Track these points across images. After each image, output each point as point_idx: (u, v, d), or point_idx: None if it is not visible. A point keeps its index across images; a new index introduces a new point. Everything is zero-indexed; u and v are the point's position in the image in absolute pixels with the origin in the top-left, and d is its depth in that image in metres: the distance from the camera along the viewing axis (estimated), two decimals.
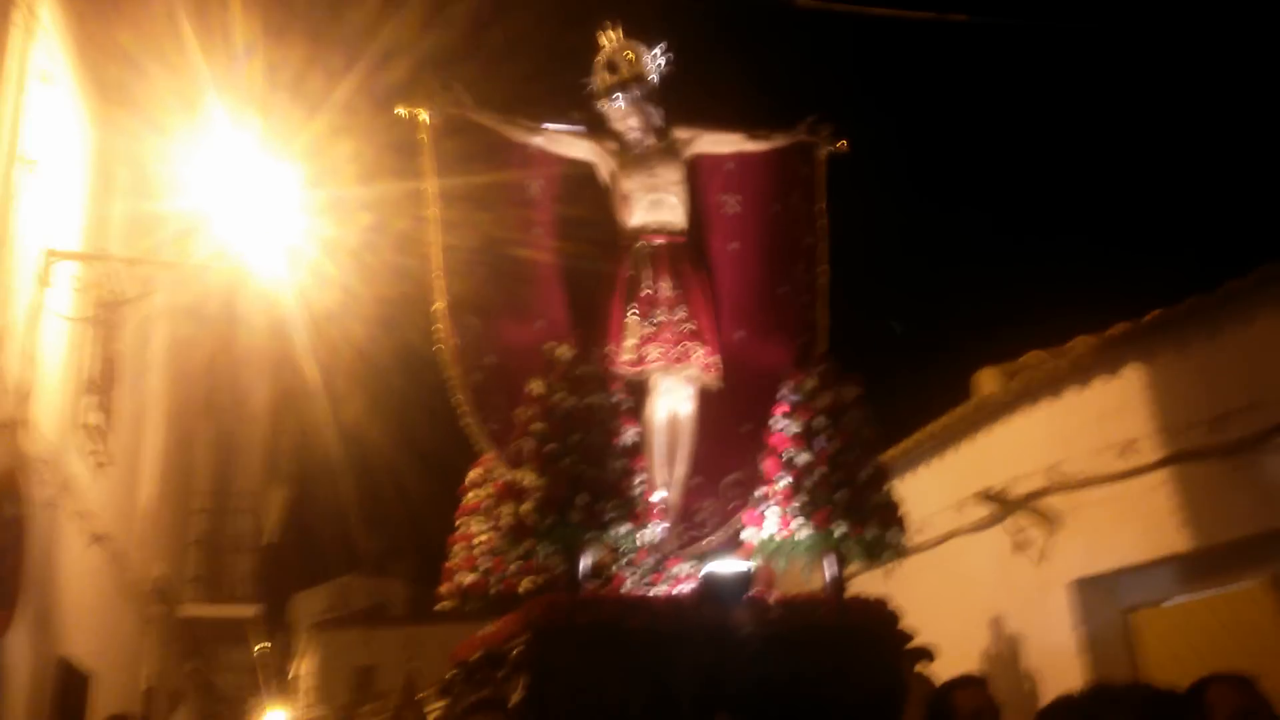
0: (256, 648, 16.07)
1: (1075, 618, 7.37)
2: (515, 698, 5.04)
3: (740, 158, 7.04)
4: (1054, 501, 7.51)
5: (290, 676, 31.13)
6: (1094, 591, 7.44)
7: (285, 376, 11.56)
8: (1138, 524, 7.02)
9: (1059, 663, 7.35)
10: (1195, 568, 6.98)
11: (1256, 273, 6.44)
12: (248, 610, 14.46)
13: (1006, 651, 8.19)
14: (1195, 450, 6.60)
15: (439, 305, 6.07)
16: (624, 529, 5.43)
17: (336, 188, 7.82)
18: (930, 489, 8.24)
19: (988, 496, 7.78)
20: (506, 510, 5.56)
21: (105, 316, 7.53)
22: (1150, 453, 6.87)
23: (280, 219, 7.34)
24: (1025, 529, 7.67)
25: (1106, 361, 7.30)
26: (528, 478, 5.45)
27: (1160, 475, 6.82)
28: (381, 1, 8.59)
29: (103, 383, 8.13)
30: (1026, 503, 7.59)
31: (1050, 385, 7.57)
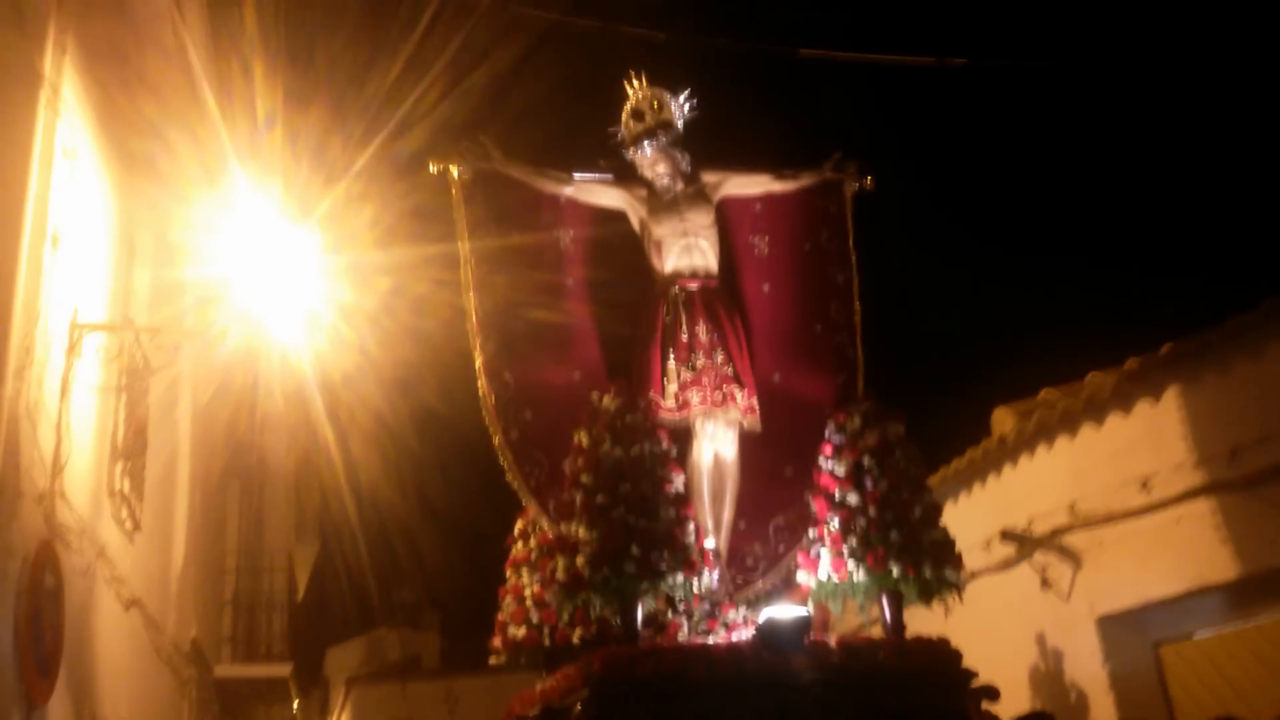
0: (294, 706, 16.16)
1: (1104, 653, 7.31)
2: None
3: (768, 199, 6.98)
4: (1076, 538, 7.46)
5: None
6: (1121, 626, 7.37)
7: (306, 437, 11.84)
8: (1161, 558, 7.00)
9: (1091, 698, 7.30)
10: (1224, 600, 6.90)
11: (1264, 305, 6.40)
12: (282, 669, 14.57)
13: (1038, 688, 8.17)
14: (1213, 484, 6.61)
15: (478, 363, 6.01)
16: (678, 578, 5.34)
17: (356, 253, 7.97)
18: (955, 527, 8.44)
19: (1009, 535, 7.74)
20: (559, 564, 5.47)
21: (131, 384, 7.46)
22: (1168, 487, 6.85)
23: (300, 285, 7.40)
24: (1050, 566, 7.59)
25: (1120, 398, 7.27)
26: (579, 531, 5.39)
27: (1180, 510, 6.82)
28: (401, 71, 8.74)
29: (131, 449, 8.14)
30: (1049, 540, 7.55)
31: (1066, 423, 7.55)
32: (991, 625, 7.71)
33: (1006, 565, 7.93)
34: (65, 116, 6.93)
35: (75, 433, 6.86)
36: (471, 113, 6.74)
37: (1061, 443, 7.66)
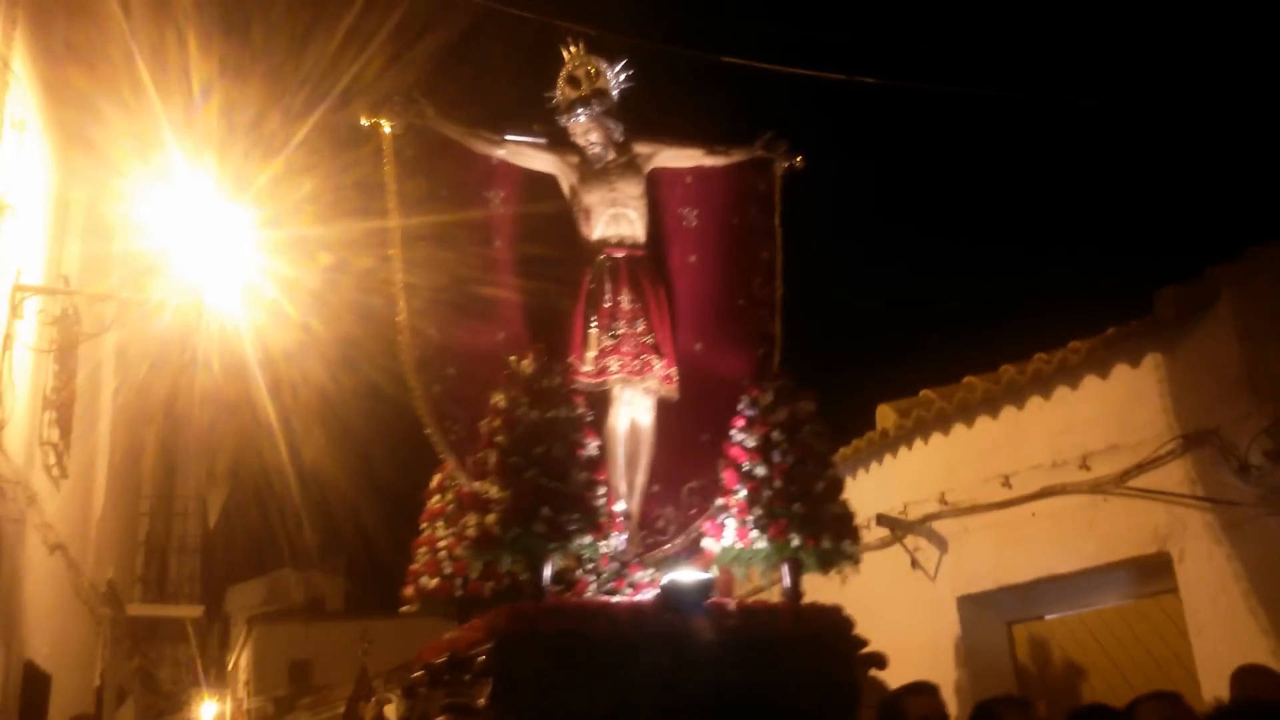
0: (192, 646, 16.52)
1: (962, 629, 7.79)
2: (481, 702, 5.10)
3: (699, 172, 6.88)
4: (944, 525, 7.93)
5: (228, 668, 31.35)
6: (978, 606, 7.79)
7: (227, 393, 11.89)
8: (1017, 548, 7.43)
9: (950, 670, 7.63)
10: (1068, 588, 7.27)
11: (1110, 333, 6.89)
12: (190, 610, 14.92)
13: (906, 658, 8.87)
14: (1064, 485, 7.05)
15: (400, 317, 5.91)
16: (586, 540, 5.32)
17: (296, 228, 7.99)
18: None
19: (884, 519, 8.08)
20: (471, 521, 5.40)
21: (64, 345, 7.69)
22: (1025, 485, 7.30)
23: (238, 259, 7.55)
24: (920, 549, 8.06)
25: (988, 403, 7.68)
26: (492, 490, 5.30)
27: (1035, 506, 7.25)
28: (341, 41, 8.56)
29: (61, 402, 7.98)
30: (920, 525, 8.02)
31: (941, 422, 7.98)
32: (867, 599, 8.17)
33: (883, 545, 8.19)
34: (14, 89, 7.18)
35: (13, 388, 7.20)
36: (413, 85, 6.87)
37: (936, 439, 8.09)
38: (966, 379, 8.03)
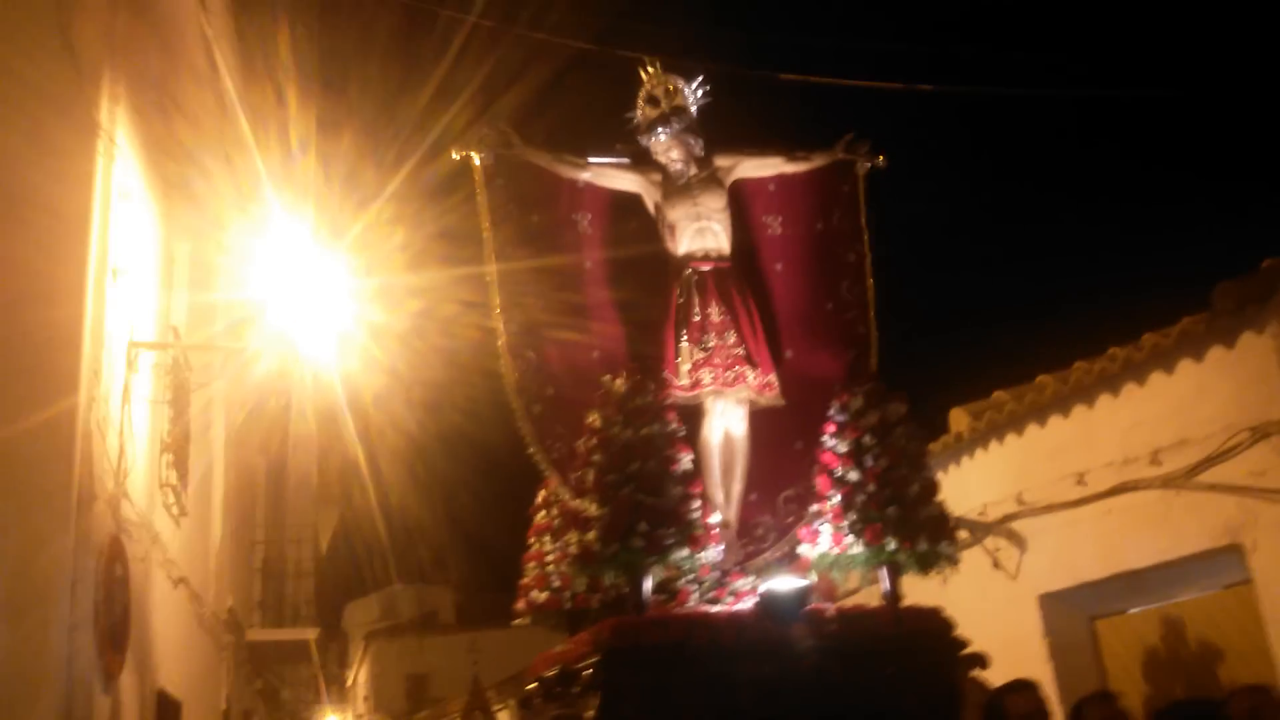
0: (315, 664, 17.18)
1: (1045, 627, 7.88)
2: (589, 715, 5.17)
3: (781, 179, 6.88)
4: (1022, 525, 7.99)
5: (347, 685, 32.24)
6: (1060, 603, 7.85)
7: (334, 445, 12.44)
8: (1093, 544, 7.45)
9: (1034, 667, 7.34)
10: (1146, 582, 7.32)
11: (1177, 328, 6.89)
12: (308, 632, 15.55)
13: (989, 658, 9.07)
14: (1136, 481, 7.08)
15: (500, 341, 6.04)
16: (684, 553, 5.35)
17: (387, 275, 8.27)
18: None
19: (962, 522, 7.92)
20: (573, 538, 5.54)
21: (177, 392, 8.07)
22: (1099, 483, 7.31)
23: (332, 307, 7.78)
24: (1000, 549, 8.15)
25: (1059, 403, 7.71)
26: (590, 507, 5.39)
27: (1109, 503, 7.27)
28: (432, 96, 8.79)
29: (177, 444, 8.16)
30: (999, 526, 8.10)
31: (1013, 423, 8.04)
32: (951, 601, 8.43)
33: (964, 547, 8.21)
34: (119, 160, 7.69)
35: (134, 438, 7.70)
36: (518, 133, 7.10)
37: (1010, 440, 8.13)
38: (1039, 378, 7.96)
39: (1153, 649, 7.64)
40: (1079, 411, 7.72)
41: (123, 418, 6.85)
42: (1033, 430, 8.02)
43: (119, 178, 7.01)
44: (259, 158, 8.41)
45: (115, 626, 6.43)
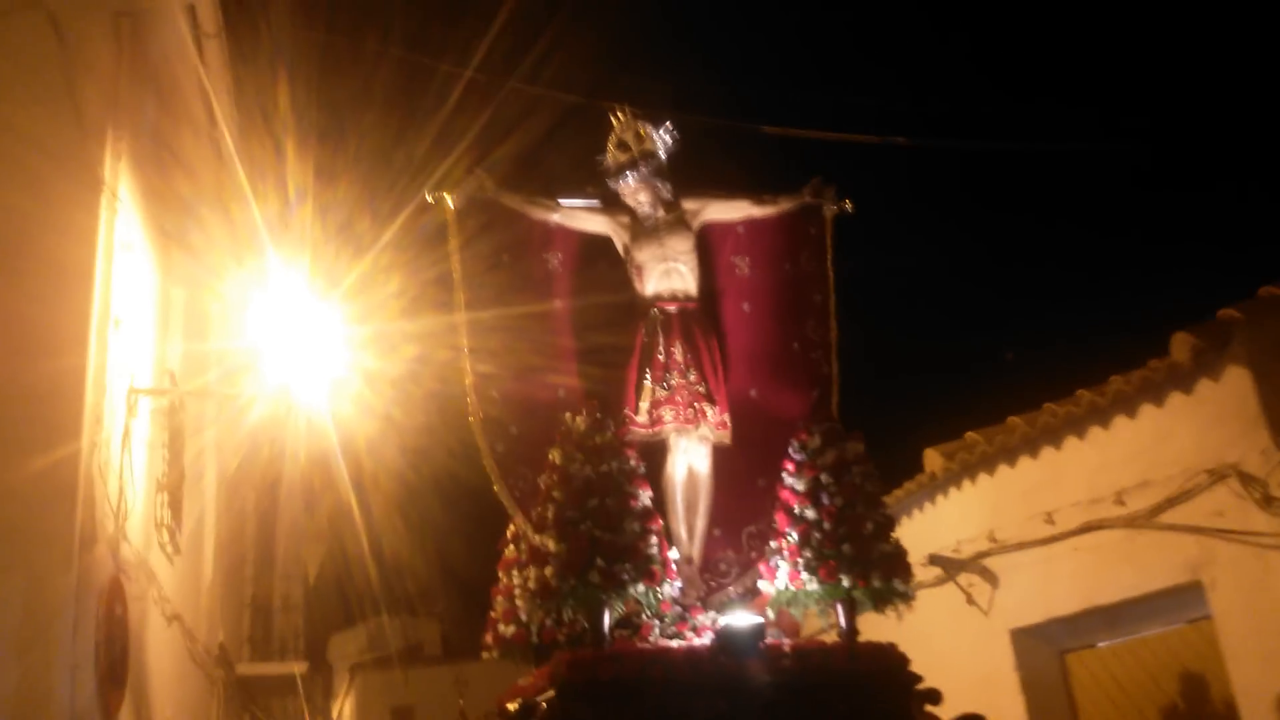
0: (301, 700, 17.26)
1: (1016, 661, 8.10)
2: None
3: (749, 222, 6.93)
4: (994, 562, 8.19)
5: (333, 717, 32.10)
6: (1031, 638, 8.07)
7: (322, 468, 12.49)
8: (1062, 581, 7.70)
9: (1006, 700, 7.91)
10: (1114, 617, 7.60)
11: (1139, 373, 7.23)
12: (295, 666, 15.63)
13: (962, 693, 9.23)
14: (1102, 520, 7.41)
15: (467, 380, 6.10)
16: (640, 588, 5.38)
17: (382, 322, 8.20)
18: None
19: (935, 559, 8.35)
20: (531, 574, 5.57)
21: (173, 436, 8.12)
22: (1067, 521, 7.64)
23: (327, 354, 7.78)
24: (973, 585, 8.32)
25: (1028, 445, 8.00)
26: (550, 543, 5.41)
27: (1076, 541, 7.59)
28: (429, 145, 8.76)
29: (171, 485, 8.16)
30: (972, 563, 8.30)
31: (985, 463, 8.27)
32: (925, 636, 8.44)
33: (937, 583, 8.43)
34: (121, 213, 7.88)
35: (133, 480, 7.85)
36: (493, 178, 6.80)
37: (982, 479, 8.39)
38: (1009, 419, 8.17)
39: (1121, 681, 7.85)
40: (1047, 453, 7.96)
41: (122, 461, 7.02)
42: (1004, 470, 8.28)
43: (120, 230, 7.20)
44: (255, 207, 8.44)
45: (114, 664, 6.55)
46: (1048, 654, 8.24)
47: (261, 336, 7.92)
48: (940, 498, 8.80)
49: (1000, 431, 8.24)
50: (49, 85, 6.90)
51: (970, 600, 8.42)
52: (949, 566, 8.39)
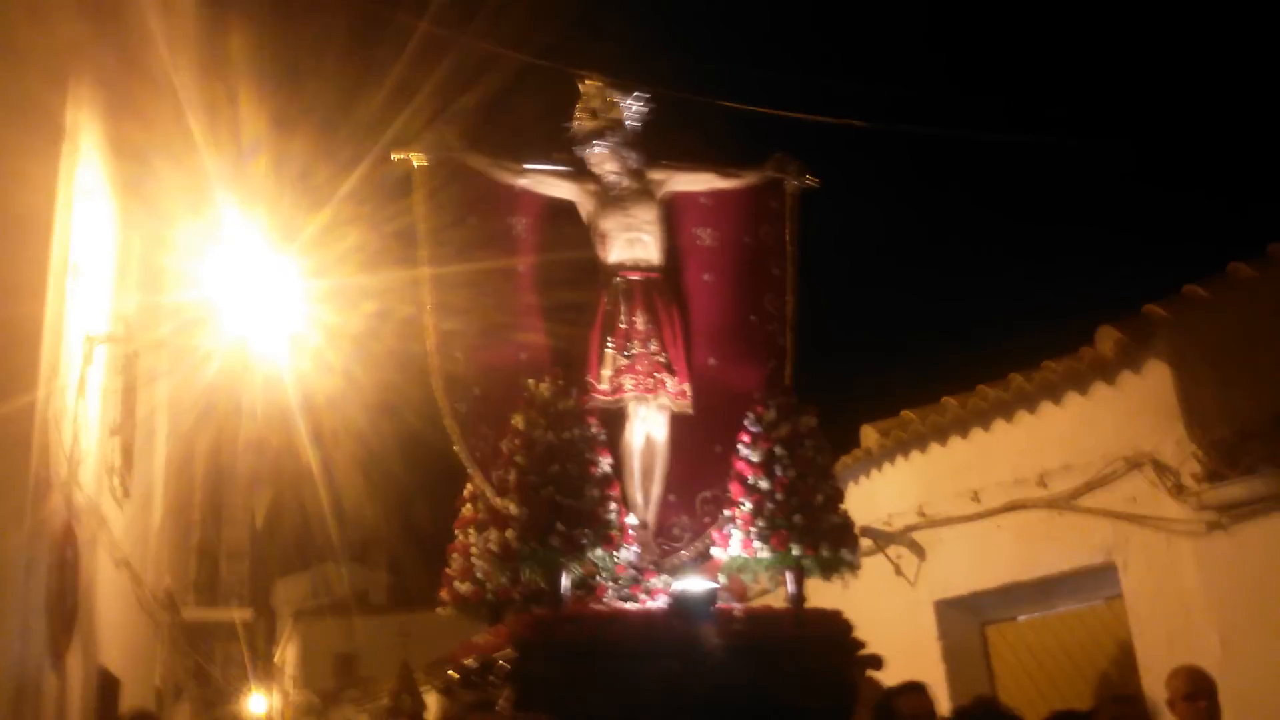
0: (242, 646, 17.37)
1: (939, 631, 8.33)
2: (502, 705, 5.32)
3: (713, 194, 6.93)
4: (922, 536, 8.40)
5: (275, 662, 32.25)
6: (954, 609, 8.28)
7: (275, 417, 12.44)
8: (986, 556, 7.92)
9: (927, 668, 7.72)
10: (1033, 593, 7.85)
11: (1064, 361, 7.45)
12: (240, 613, 15.70)
13: (888, 660, 9.64)
14: (1025, 500, 7.63)
15: (429, 340, 6.09)
16: (598, 552, 5.45)
17: (341, 277, 8.23)
18: None
19: (867, 531, 8.39)
20: (493, 536, 5.63)
21: (127, 385, 8.30)
22: (992, 500, 7.83)
23: (285, 308, 7.94)
24: (902, 557, 8.52)
25: (959, 425, 8.18)
26: (511, 506, 5.47)
27: (1000, 519, 7.82)
28: (388, 94, 8.64)
29: (122, 429, 8.34)
30: (902, 536, 8.50)
31: (918, 441, 8.46)
32: (853, 605, 8.90)
33: (868, 554, 8.26)
34: (82, 161, 7.91)
35: (87, 427, 7.09)
36: (459, 137, 6.73)
37: (915, 457, 8.57)
38: (944, 399, 8.33)
39: (1037, 654, 8.02)
40: (977, 434, 8.11)
41: (77, 409, 7.12)
42: (935, 449, 8.46)
43: (80, 178, 7.25)
44: (210, 158, 8.39)
45: (65, 608, 6.71)
46: (969, 625, 8.40)
47: (218, 289, 7.98)
48: (875, 472, 8.92)
49: (934, 411, 8.43)
50: (11, 32, 6.88)
51: (898, 571, 8.67)
52: (879, 538, 8.62)
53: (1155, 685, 6.74)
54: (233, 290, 7.91)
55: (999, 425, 8.00)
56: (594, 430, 5.80)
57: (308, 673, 28.98)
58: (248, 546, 15.41)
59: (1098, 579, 7.45)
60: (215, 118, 8.99)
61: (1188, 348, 6.93)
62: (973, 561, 8.15)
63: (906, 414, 8.68)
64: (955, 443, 8.32)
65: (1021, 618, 8.30)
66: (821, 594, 6.34)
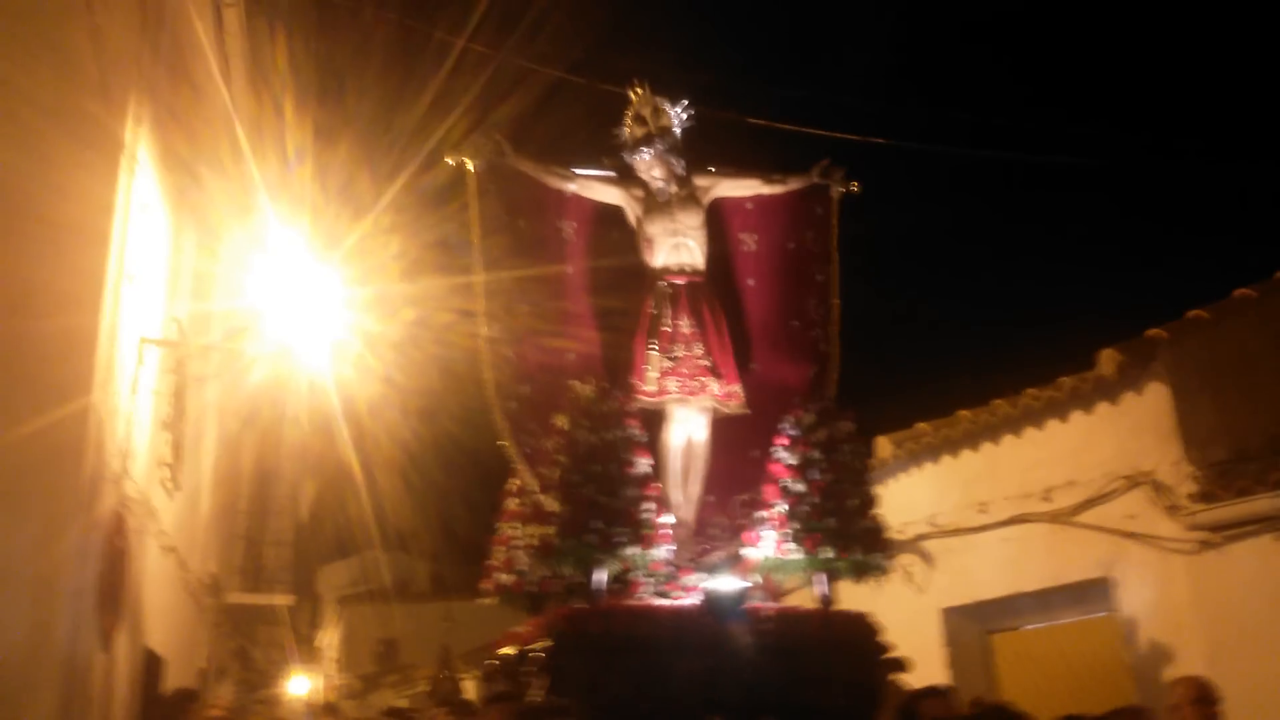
0: (288, 630, 17.83)
1: (946, 637, 8.43)
2: (538, 695, 5.31)
3: (758, 200, 6.93)
4: (932, 545, 8.47)
5: (317, 646, 32.82)
6: (959, 617, 8.37)
7: (320, 419, 12.66)
8: (992, 567, 8.14)
9: (934, 673, 7.87)
10: (1037, 603, 8.07)
11: (1067, 382, 7.73)
12: (283, 598, 15.86)
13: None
14: (1030, 515, 7.88)
15: (483, 340, 6.14)
16: (634, 550, 5.42)
17: (382, 284, 8.29)
18: None
19: None
20: (534, 532, 5.63)
21: (178, 384, 8.43)
22: (1000, 512, 8.03)
23: (327, 316, 7.91)
24: (913, 564, 8.62)
25: (969, 439, 8.39)
26: (551, 504, 5.47)
27: (1007, 531, 8.03)
28: (429, 105, 8.71)
29: (174, 424, 8.54)
30: (913, 544, 8.58)
31: (930, 453, 8.60)
32: (865, 609, 9.45)
33: None
34: (139, 175, 8.28)
35: (140, 423, 7.25)
36: (509, 141, 6.77)
37: (928, 468, 8.71)
38: (958, 413, 8.38)
39: (1039, 662, 8.07)
40: (987, 447, 8.25)
41: (130, 407, 7.56)
42: (947, 460, 8.56)
43: (137, 192, 7.65)
44: (256, 168, 8.41)
45: (113, 592, 7.06)
46: (975, 632, 8.41)
47: (263, 295, 7.99)
48: (891, 482, 8.94)
49: (946, 424, 8.69)
50: (73, 54, 7.16)
51: (910, 579, 9.00)
52: (891, 547, 8.98)
53: (1148, 698, 7.00)
54: (277, 298, 8.15)
55: (1008, 440, 8.16)
56: (635, 431, 5.74)
57: (350, 657, 29.33)
58: (292, 535, 15.85)
59: (1097, 592, 7.52)
60: (260, 129, 9.11)
61: (1188, 370, 7.07)
62: (979, 571, 8.21)
63: (921, 426, 8.90)
64: (966, 456, 8.50)
65: (1025, 627, 8.42)
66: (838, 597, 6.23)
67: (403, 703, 19.73)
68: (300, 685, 22.84)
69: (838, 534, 5.84)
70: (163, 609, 8.94)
